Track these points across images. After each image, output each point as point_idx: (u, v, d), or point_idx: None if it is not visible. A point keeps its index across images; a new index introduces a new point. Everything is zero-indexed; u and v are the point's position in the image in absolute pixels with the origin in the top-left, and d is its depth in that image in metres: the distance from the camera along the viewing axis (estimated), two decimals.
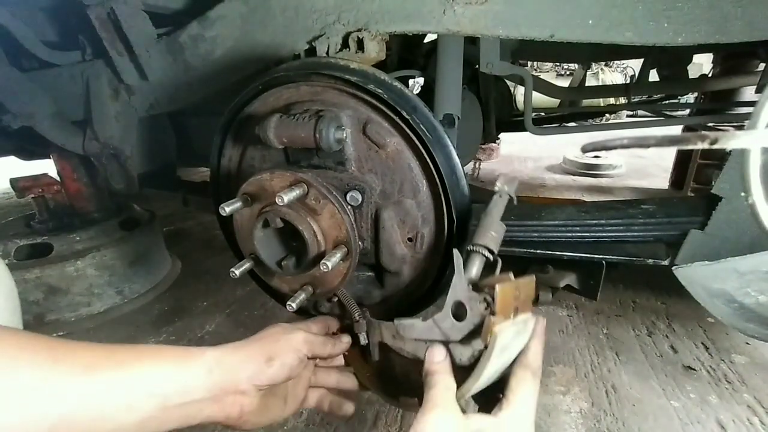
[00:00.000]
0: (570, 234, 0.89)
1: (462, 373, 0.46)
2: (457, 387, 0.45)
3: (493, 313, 0.42)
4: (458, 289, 0.47)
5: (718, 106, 2.03)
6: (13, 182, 1.40)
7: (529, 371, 0.45)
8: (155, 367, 0.44)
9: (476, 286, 0.47)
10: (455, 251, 0.48)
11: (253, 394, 0.52)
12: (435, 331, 0.49)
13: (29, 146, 1.51)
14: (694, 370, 1.04)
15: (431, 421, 0.40)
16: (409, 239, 0.65)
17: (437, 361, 0.48)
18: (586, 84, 2.39)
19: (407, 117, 0.56)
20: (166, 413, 0.44)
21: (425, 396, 0.44)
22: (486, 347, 0.42)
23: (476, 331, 0.46)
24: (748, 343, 1.12)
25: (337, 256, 0.56)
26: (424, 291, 0.69)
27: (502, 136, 2.73)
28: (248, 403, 0.52)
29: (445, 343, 0.49)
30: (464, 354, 0.48)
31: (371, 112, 0.60)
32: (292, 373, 0.55)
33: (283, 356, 0.54)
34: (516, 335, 0.44)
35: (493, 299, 0.43)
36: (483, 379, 0.43)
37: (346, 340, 0.63)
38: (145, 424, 0.43)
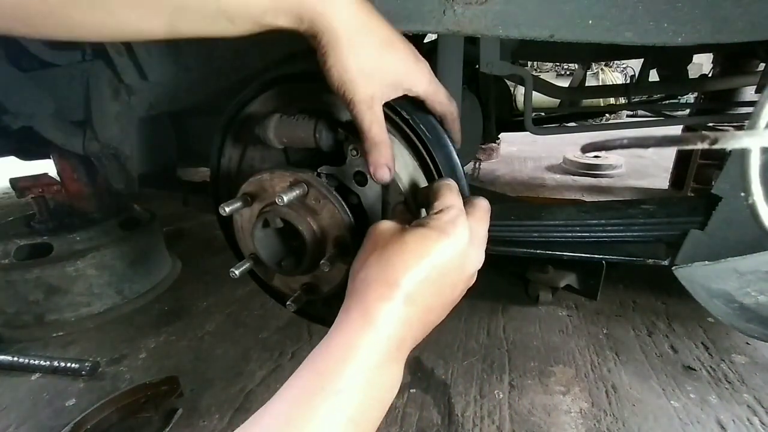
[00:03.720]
0: (570, 234, 0.89)
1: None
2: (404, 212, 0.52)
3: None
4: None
5: (718, 106, 2.03)
6: (13, 182, 1.40)
7: (444, 181, 0.48)
8: None
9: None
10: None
11: None
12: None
13: (29, 146, 1.51)
14: (694, 370, 1.04)
15: (372, 229, 0.44)
16: None
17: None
18: (586, 84, 2.39)
19: (407, 117, 0.56)
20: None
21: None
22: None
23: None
24: (748, 343, 1.12)
25: (337, 256, 0.56)
26: None
27: (502, 136, 2.73)
28: None
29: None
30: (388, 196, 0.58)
31: None
32: None
33: None
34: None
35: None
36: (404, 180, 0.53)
37: None
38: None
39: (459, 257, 0.41)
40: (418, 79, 0.50)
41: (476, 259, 0.44)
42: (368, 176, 0.54)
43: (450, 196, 0.45)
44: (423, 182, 0.60)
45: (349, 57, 0.43)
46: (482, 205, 0.47)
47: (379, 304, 0.37)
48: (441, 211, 0.43)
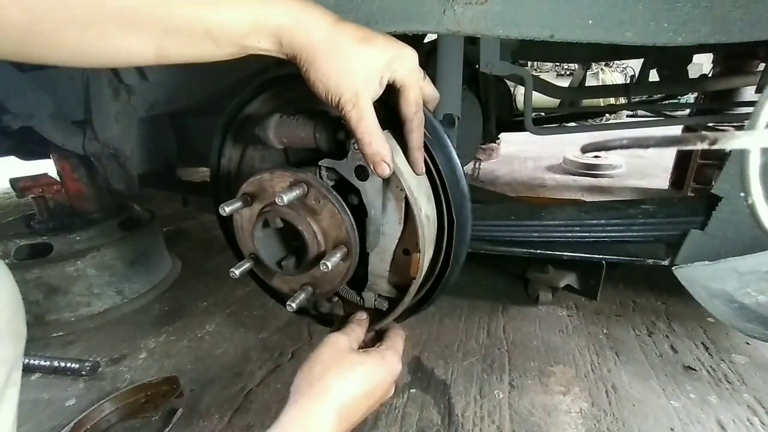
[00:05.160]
0: (570, 234, 0.89)
1: None
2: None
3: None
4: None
5: (718, 106, 2.03)
6: (13, 182, 1.40)
7: (400, 329, 0.67)
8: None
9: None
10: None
11: None
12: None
13: (29, 146, 1.51)
14: (694, 370, 1.04)
15: (331, 338, 0.57)
16: None
17: (361, 319, 0.66)
18: (586, 84, 2.39)
19: None
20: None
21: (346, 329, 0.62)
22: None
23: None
24: (748, 343, 1.12)
25: (337, 256, 0.56)
26: (425, 291, 0.69)
27: (502, 136, 2.73)
28: None
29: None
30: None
31: None
32: None
33: None
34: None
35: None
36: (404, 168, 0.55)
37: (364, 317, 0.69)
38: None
39: (388, 383, 0.58)
40: (402, 60, 0.50)
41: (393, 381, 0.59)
42: (369, 171, 0.54)
43: (399, 342, 0.63)
44: (426, 185, 0.60)
45: (327, 66, 0.46)
46: (400, 341, 0.64)
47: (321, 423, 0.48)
48: (388, 347, 0.60)
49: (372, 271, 0.67)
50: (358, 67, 0.47)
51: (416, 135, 0.53)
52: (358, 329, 0.63)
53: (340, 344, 0.56)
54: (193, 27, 0.42)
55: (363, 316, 0.66)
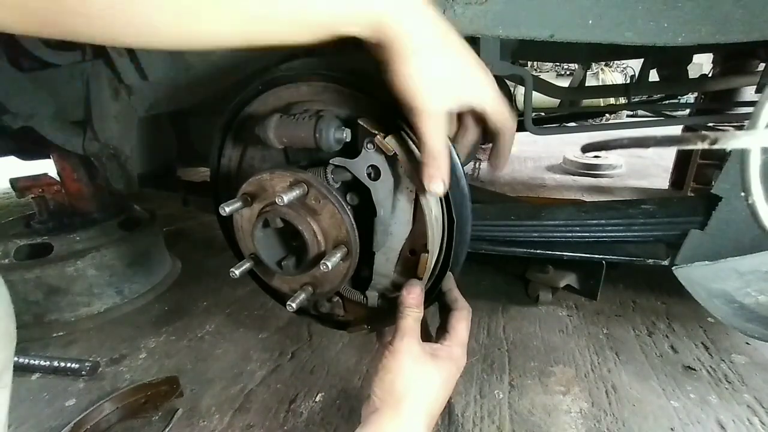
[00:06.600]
0: (570, 234, 0.89)
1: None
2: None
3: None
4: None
5: (718, 106, 2.03)
6: (13, 182, 1.40)
7: (465, 311, 0.59)
8: None
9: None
10: None
11: None
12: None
13: (29, 146, 1.51)
14: (694, 370, 1.04)
15: (404, 346, 0.52)
16: None
17: (414, 295, 0.56)
18: (586, 84, 2.39)
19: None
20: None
21: (399, 324, 0.54)
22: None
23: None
24: (748, 343, 1.12)
25: (337, 256, 0.56)
26: (425, 291, 0.69)
27: None
28: None
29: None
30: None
31: None
32: None
33: None
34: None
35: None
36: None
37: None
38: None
39: (456, 380, 0.57)
40: (486, 93, 0.48)
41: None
42: (381, 171, 0.55)
43: (464, 331, 0.57)
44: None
45: (421, 66, 0.43)
46: (464, 330, 0.58)
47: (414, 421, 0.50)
48: (454, 342, 0.56)
49: (377, 270, 0.67)
50: (448, 82, 0.44)
51: (506, 145, 0.56)
52: (416, 326, 0.57)
53: (416, 352, 0.54)
54: (293, 12, 0.41)
55: (415, 293, 0.57)
